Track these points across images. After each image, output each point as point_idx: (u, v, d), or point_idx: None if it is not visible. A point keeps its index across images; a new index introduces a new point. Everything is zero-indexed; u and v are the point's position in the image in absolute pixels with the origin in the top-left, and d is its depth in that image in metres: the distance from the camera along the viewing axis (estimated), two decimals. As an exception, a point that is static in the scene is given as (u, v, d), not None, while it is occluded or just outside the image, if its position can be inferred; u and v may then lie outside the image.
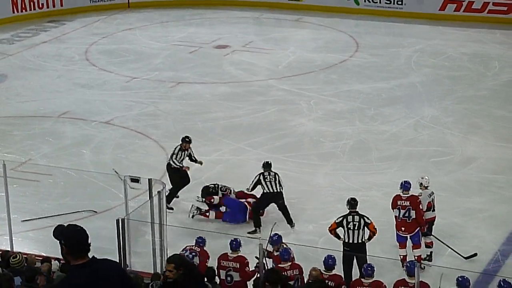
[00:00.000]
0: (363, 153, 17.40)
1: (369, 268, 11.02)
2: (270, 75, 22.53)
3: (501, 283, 10.27)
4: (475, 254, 13.31)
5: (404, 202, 12.88)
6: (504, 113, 19.39)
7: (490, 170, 16.52)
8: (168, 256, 12.09)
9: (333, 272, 11.16)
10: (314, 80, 22.05)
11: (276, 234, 11.97)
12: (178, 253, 12.15)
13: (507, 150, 17.42)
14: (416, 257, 12.84)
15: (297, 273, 11.17)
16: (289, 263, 11.24)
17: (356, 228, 12.41)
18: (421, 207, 12.92)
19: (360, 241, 12.43)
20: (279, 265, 11.24)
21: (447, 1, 27.24)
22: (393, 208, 13.03)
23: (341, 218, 12.52)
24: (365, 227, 12.43)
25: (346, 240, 12.45)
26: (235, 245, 11.78)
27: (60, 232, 5.74)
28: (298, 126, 18.96)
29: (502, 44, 24.73)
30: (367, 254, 12.40)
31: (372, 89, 21.20)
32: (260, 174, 14.48)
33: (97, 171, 16.44)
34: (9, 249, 12.69)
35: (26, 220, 14.69)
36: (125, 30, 27.31)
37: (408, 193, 12.96)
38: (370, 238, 12.52)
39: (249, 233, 14.14)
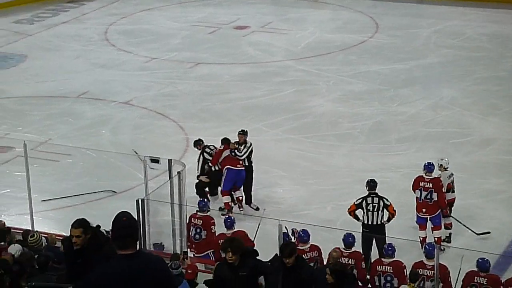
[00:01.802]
0: (381, 134, 17.37)
1: (390, 248, 11.03)
2: (289, 55, 22.50)
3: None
4: (488, 232, 13.32)
5: (427, 184, 12.83)
6: (523, 94, 19.33)
7: (508, 151, 16.46)
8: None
9: (353, 249, 11.19)
10: (332, 60, 22.00)
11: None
12: (186, 229, 12.17)
13: (526, 132, 17.37)
14: (436, 239, 12.83)
15: (317, 254, 11.17)
16: (309, 245, 11.22)
17: (375, 209, 12.41)
18: (443, 190, 12.89)
19: (379, 222, 12.44)
20: (298, 247, 11.22)
21: (466, -19, 27.08)
22: (414, 189, 12.99)
23: (360, 200, 12.53)
24: (384, 209, 12.43)
25: (365, 222, 12.46)
26: (230, 223, 11.86)
27: (113, 220, 5.61)
28: (316, 107, 18.94)
29: (522, 24, 24.58)
30: (386, 235, 12.42)
31: (391, 70, 21.14)
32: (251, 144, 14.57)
33: (116, 151, 16.50)
34: (30, 228, 12.76)
35: (46, 200, 14.79)
36: (143, 10, 27.30)
37: (431, 175, 12.91)
38: (389, 219, 12.51)
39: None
